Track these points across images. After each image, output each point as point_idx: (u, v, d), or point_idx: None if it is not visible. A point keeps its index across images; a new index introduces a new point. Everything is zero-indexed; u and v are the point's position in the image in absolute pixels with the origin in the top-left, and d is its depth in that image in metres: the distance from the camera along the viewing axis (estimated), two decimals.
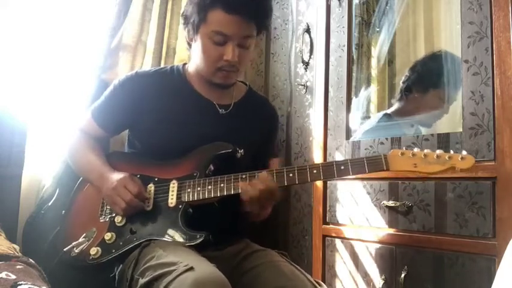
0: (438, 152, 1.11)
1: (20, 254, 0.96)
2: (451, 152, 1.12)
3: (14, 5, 1.66)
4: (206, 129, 1.32)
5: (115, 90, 1.39)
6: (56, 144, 1.74)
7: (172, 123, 1.32)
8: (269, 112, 1.51)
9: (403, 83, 1.67)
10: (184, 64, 1.44)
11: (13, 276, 0.80)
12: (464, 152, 1.10)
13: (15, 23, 1.67)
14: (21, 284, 0.77)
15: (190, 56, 1.41)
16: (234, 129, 1.34)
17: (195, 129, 1.32)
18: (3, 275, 0.79)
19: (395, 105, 1.69)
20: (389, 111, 1.68)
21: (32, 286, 0.78)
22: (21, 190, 1.55)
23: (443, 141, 1.31)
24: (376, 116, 1.70)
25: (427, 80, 1.60)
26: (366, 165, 1.15)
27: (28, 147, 1.56)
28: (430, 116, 1.55)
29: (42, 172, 1.70)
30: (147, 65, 1.92)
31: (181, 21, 1.35)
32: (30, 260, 0.94)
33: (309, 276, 1.17)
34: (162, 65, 1.95)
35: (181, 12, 1.35)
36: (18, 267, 0.87)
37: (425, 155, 1.12)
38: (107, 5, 1.84)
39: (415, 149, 1.14)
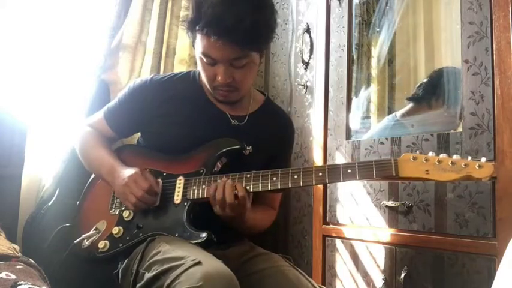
0: (454, 157, 1.04)
1: (20, 254, 0.96)
2: (468, 158, 1.03)
3: (13, 5, 1.66)
4: (215, 135, 1.30)
5: (129, 95, 1.39)
6: (56, 144, 1.74)
7: (182, 126, 1.32)
8: (283, 123, 1.47)
9: (410, 98, 1.63)
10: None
11: (13, 276, 0.80)
12: (483, 159, 1.01)
13: (15, 23, 1.67)
14: (21, 284, 0.77)
15: None
16: (243, 137, 1.32)
17: (205, 135, 1.31)
18: (3, 275, 0.79)
19: (408, 112, 1.64)
20: (399, 116, 1.65)
21: (32, 286, 0.78)
22: (21, 190, 1.56)
23: (443, 141, 1.31)
24: (387, 120, 1.69)
25: (438, 96, 1.54)
26: (374, 169, 1.09)
27: (28, 147, 1.56)
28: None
29: (42, 172, 1.71)
30: (147, 65, 1.92)
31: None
32: (30, 260, 0.94)
33: (313, 282, 1.17)
34: (162, 65, 1.96)
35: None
36: (18, 267, 0.87)
37: (439, 161, 1.03)
38: (107, 5, 1.85)
39: (430, 153, 1.06)
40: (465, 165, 1.02)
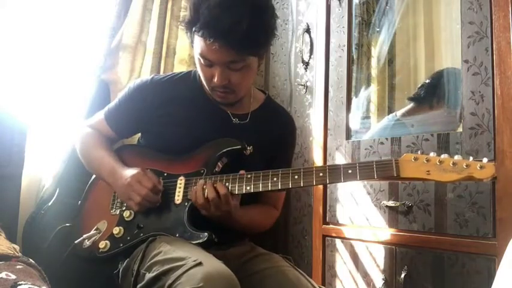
0: (455, 158, 1.03)
1: (20, 254, 0.96)
2: (470, 158, 1.03)
3: (13, 5, 1.66)
4: (216, 134, 1.30)
5: (129, 95, 1.39)
6: (56, 144, 1.74)
7: (183, 127, 1.32)
8: (285, 121, 1.47)
9: (412, 98, 1.63)
10: None
11: (13, 276, 0.80)
12: (485, 160, 1.01)
13: (15, 23, 1.67)
14: (21, 284, 0.77)
15: None
16: (243, 138, 1.31)
17: (206, 135, 1.31)
18: (3, 275, 0.79)
19: (408, 112, 1.65)
20: (399, 115, 1.65)
21: (32, 286, 0.77)
22: (21, 190, 1.56)
23: (443, 141, 1.31)
24: (387, 120, 1.69)
25: (439, 97, 1.54)
26: (375, 170, 1.09)
27: (28, 147, 1.56)
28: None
29: (42, 172, 1.71)
30: (147, 65, 1.92)
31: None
32: (30, 260, 0.94)
33: (313, 283, 1.17)
34: (162, 65, 1.96)
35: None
36: (18, 267, 0.87)
37: (440, 162, 1.03)
38: (107, 5, 1.85)
39: (431, 154, 1.05)
40: (466, 165, 1.01)
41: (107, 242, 1.26)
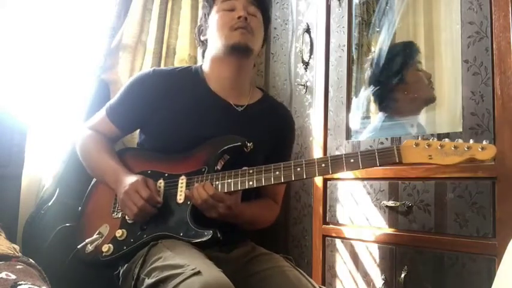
0: (456, 141, 1.04)
1: (20, 254, 0.96)
2: (471, 141, 1.04)
3: (13, 5, 1.66)
4: (218, 129, 1.31)
5: (130, 87, 1.39)
6: (56, 144, 1.74)
7: (183, 121, 1.32)
8: (282, 115, 1.49)
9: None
10: (201, 65, 1.44)
11: (13, 276, 0.80)
12: (484, 141, 1.02)
13: (15, 23, 1.67)
14: (21, 284, 0.77)
15: (204, 57, 1.44)
16: (245, 127, 1.33)
17: (207, 129, 1.31)
18: (3, 275, 0.79)
19: (389, 105, 1.69)
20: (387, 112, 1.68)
21: (32, 286, 0.77)
22: (21, 190, 1.55)
23: None
24: (377, 118, 1.70)
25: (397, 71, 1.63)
26: (377, 157, 1.09)
27: (28, 147, 1.56)
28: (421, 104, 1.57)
29: (42, 172, 1.71)
30: (147, 65, 1.92)
31: (196, 31, 1.48)
32: (30, 260, 0.94)
33: (314, 283, 1.17)
34: (162, 65, 1.96)
35: (196, 29, 1.50)
36: (18, 267, 0.87)
37: (441, 146, 1.04)
38: (107, 5, 1.85)
39: (431, 139, 1.07)
40: (468, 148, 1.02)
41: (110, 245, 1.25)
